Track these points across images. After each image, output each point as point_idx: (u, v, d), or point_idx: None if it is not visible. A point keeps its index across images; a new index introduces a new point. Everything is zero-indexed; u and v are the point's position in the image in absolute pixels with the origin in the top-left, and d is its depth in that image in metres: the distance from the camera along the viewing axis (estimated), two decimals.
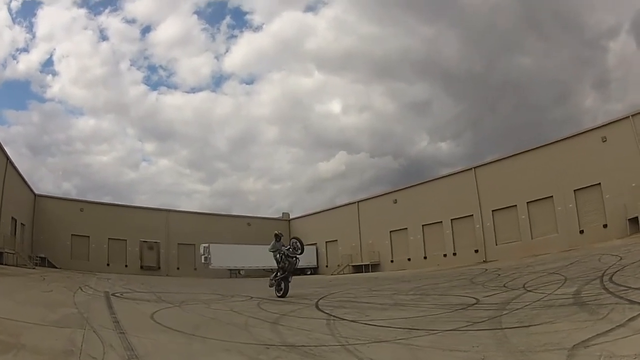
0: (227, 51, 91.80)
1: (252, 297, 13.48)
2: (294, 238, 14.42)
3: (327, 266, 45.23)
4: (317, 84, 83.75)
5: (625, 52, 67.57)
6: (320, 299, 12.36)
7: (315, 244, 46.58)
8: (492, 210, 33.16)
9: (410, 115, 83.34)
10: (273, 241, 14.20)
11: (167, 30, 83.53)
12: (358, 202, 45.31)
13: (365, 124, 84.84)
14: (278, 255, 13.81)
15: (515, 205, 31.71)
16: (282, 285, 13.50)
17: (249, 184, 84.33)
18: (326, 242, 46.62)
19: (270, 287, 13.95)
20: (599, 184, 27.48)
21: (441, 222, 36.13)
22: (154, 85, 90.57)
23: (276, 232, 14.67)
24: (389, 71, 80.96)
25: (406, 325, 6.82)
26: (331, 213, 47.76)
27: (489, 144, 78.87)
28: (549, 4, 66.49)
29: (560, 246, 26.68)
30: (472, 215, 34.17)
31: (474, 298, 10.10)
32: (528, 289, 10.66)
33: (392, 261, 39.51)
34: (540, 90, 73.44)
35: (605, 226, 26.91)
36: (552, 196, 29.69)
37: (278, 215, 53.34)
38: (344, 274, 39.50)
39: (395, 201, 40.79)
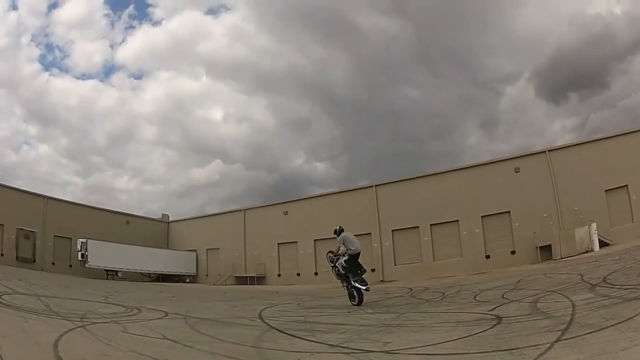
0: (122, 41, 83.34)
1: (166, 313, 9.94)
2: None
3: (207, 275, 40.52)
4: (203, 88, 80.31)
5: (521, 98, 72.69)
6: (264, 317, 9.67)
7: (195, 250, 42.07)
8: (392, 230, 31.18)
9: (289, 132, 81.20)
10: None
11: (71, 9, 75.72)
12: (245, 210, 40.97)
13: (244, 135, 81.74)
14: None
15: (418, 227, 30.07)
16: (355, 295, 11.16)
17: (123, 183, 78.56)
18: (207, 249, 41.72)
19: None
20: (509, 212, 26.99)
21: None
22: (47, 66, 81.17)
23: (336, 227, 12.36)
24: (274, 85, 79.15)
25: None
26: (214, 219, 43.20)
27: (365, 169, 77.96)
28: (446, 42, 69.78)
29: (464, 270, 25.14)
30: (370, 233, 31.63)
31: (490, 314, 7.40)
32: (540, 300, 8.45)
33: (279, 275, 35.94)
34: (422, 122, 76.69)
35: (513, 252, 26.34)
36: (457, 220, 28.55)
37: (157, 216, 47.44)
38: (226, 284, 35.63)
39: (286, 213, 37.14)
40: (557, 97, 77.82)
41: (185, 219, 46.66)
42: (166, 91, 79.66)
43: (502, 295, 10.28)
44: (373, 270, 29.56)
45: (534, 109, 73.26)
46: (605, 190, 24.67)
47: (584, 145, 26.57)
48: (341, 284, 11.78)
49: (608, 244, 22.16)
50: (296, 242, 35.33)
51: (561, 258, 21.75)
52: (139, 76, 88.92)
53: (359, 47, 75.49)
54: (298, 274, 34.42)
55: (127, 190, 77.40)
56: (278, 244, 36.76)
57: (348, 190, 35.50)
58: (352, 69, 77.03)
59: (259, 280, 36.12)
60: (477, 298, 10.77)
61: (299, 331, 7.12)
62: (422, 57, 73.60)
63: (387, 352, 5.04)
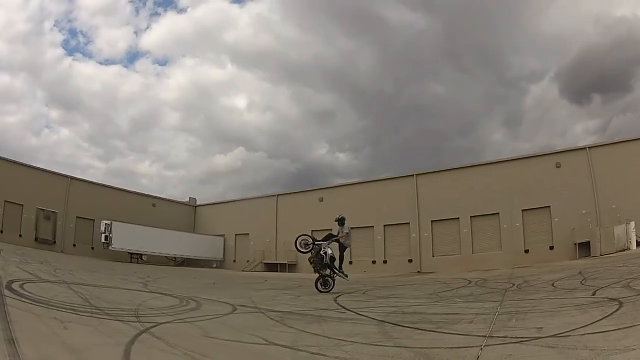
0: (147, 28, 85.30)
1: (234, 307, 8.61)
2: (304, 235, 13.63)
3: (235, 261, 41.02)
4: (228, 76, 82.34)
5: (545, 97, 73.06)
6: (351, 308, 8.86)
7: (223, 235, 42.60)
8: (432, 221, 31.88)
9: (313, 123, 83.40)
10: (338, 228, 13.74)
11: None
12: (278, 195, 41.11)
13: (268, 124, 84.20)
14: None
15: (458, 218, 30.81)
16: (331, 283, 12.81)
17: (144, 168, 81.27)
18: (236, 234, 42.04)
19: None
20: (549, 207, 27.76)
21: (373, 227, 33.78)
22: (70, 51, 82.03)
23: (338, 216, 13.99)
24: (300, 76, 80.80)
25: None
26: (244, 204, 42.81)
27: (387, 163, 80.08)
28: (473, 40, 70.24)
29: (503, 263, 25.90)
30: (409, 223, 32.60)
31: (600, 298, 7.94)
32: None
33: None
34: (447, 118, 77.76)
35: (552, 248, 27.18)
36: (498, 213, 29.29)
37: (187, 199, 47.88)
38: (255, 271, 35.90)
39: (322, 200, 37.41)
40: (581, 98, 77.85)
41: (213, 204, 46.79)
42: (191, 78, 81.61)
43: (582, 283, 11.06)
44: (410, 261, 31.00)
45: (558, 109, 73.68)
46: None
47: (624, 144, 27.06)
48: (316, 271, 12.66)
49: None
50: (331, 229, 35.19)
51: (601, 255, 22.69)
52: (163, 63, 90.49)
53: (386, 41, 76.33)
54: None
55: (149, 175, 79.70)
56: (312, 231, 37.08)
57: (387, 179, 35.80)
58: (379, 62, 78.05)
59: (290, 267, 36.20)
60: (555, 285, 11.46)
61: (419, 323, 6.69)
62: (449, 53, 74.27)
63: (555, 336, 5.11)
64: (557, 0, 64.83)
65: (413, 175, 33.68)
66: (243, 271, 35.29)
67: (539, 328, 5.71)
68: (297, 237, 12.92)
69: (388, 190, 34.53)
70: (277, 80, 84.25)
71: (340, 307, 8.97)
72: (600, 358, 4.03)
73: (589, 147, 27.61)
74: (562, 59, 71.14)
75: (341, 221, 13.56)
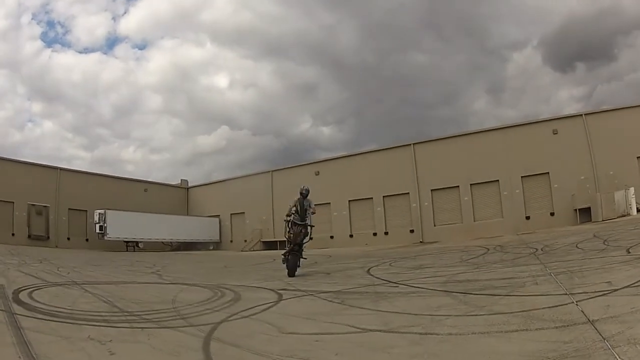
0: (125, 12, 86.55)
1: (279, 293, 7.90)
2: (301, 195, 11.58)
3: (231, 241, 41.14)
4: (208, 56, 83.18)
5: (528, 65, 74.20)
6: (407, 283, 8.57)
7: (218, 216, 42.48)
8: (431, 190, 32.42)
9: (295, 97, 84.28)
10: (297, 198, 11.60)
11: None
12: (272, 171, 40.78)
13: (250, 101, 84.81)
14: (288, 222, 11.37)
15: (458, 186, 31.42)
16: (286, 262, 11.06)
17: (129, 153, 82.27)
18: (231, 214, 42.03)
19: (283, 262, 11.33)
20: (548, 173, 28.60)
21: (372, 198, 34.23)
22: (49, 42, 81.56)
23: (302, 187, 11.92)
24: (281, 51, 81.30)
25: None
26: (238, 182, 42.67)
27: (371, 134, 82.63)
28: (455, 9, 70.38)
29: (505, 230, 26.76)
30: (409, 193, 33.09)
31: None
32: None
33: (311, 238, 36.21)
34: (430, 88, 78.63)
35: (552, 214, 28.08)
36: (498, 180, 30.01)
37: (176, 182, 47.70)
38: (253, 250, 35.95)
39: (318, 173, 37.12)
40: (564, 66, 79.45)
41: (205, 184, 46.49)
42: (171, 60, 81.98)
43: (605, 243, 11.73)
44: (412, 231, 31.67)
45: (541, 76, 74.92)
46: (637, 157, 26.32)
47: (619, 111, 27.73)
48: (288, 249, 11.17)
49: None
50: (329, 203, 35.15)
51: (602, 220, 23.55)
52: (142, 46, 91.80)
53: (367, 12, 77.30)
54: (332, 237, 34.45)
55: (134, 160, 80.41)
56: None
57: (384, 149, 35.80)
58: (360, 34, 79.25)
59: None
60: (579, 247, 12.04)
61: (487, 289, 6.80)
62: (431, 23, 75.09)
63: (630, 286, 5.59)
64: None
65: (410, 145, 33.84)
66: (242, 251, 35.23)
67: (607, 282, 6.13)
68: (287, 214, 11.55)
69: (385, 160, 34.71)
70: (258, 57, 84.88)
71: (386, 281, 8.95)
72: None
73: (585, 114, 28.27)
74: (544, 27, 72.35)
75: (306, 192, 11.76)
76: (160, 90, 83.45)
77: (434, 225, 31.73)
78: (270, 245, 36.13)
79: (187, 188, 46.13)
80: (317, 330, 4.93)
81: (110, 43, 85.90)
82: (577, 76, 75.20)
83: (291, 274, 10.73)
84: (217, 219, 41.84)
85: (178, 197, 44.56)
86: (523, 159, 28.94)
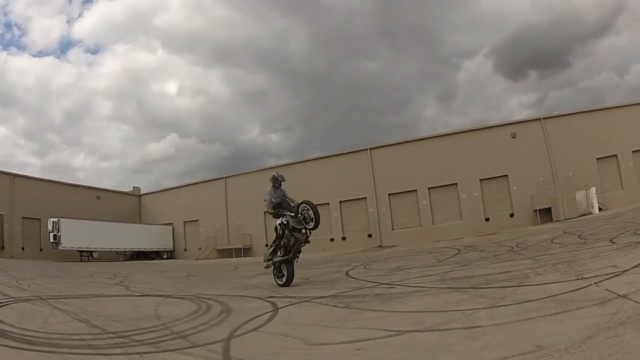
0: (79, 16, 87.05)
1: (272, 303, 7.45)
2: (304, 203, 9.69)
3: (185, 250, 41.07)
4: (159, 61, 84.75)
5: (479, 73, 78.05)
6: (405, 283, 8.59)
7: (171, 224, 42.31)
8: (389, 194, 33.43)
9: (244, 104, 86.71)
10: (269, 190, 10.36)
11: None
12: (226, 177, 41.33)
13: (199, 108, 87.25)
14: (279, 225, 10.01)
15: (416, 190, 32.59)
16: (284, 270, 9.79)
17: (79, 160, 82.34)
18: (185, 222, 42.16)
19: (265, 267, 10.56)
20: (506, 175, 30.45)
21: (328, 203, 34.47)
22: (5, 45, 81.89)
23: (275, 174, 10.68)
24: (231, 57, 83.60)
25: None
26: (191, 189, 43.23)
27: (320, 141, 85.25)
28: (408, 17, 73.13)
29: (465, 232, 28.00)
30: (366, 197, 34.02)
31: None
32: None
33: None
34: (380, 95, 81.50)
35: (511, 215, 29.80)
36: (456, 183, 31.36)
37: (128, 189, 47.36)
38: (209, 258, 36.39)
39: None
40: (516, 73, 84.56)
41: (158, 191, 46.31)
42: (122, 65, 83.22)
43: (580, 237, 12.87)
44: (370, 235, 32.43)
45: (492, 84, 79.32)
46: (597, 159, 28.76)
47: (577, 115, 30.28)
48: (282, 257, 9.88)
49: (601, 209, 26.06)
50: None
51: (564, 219, 25.18)
52: (95, 51, 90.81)
53: (320, 18, 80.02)
54: None
55: (84, 168, 79.90)
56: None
57: (341, 154, 36.67)
58: (312, 40, 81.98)
59: (245, 252, 36.67)
60: (555, 242, 13.19)
61: (493, 283, 7.15)
62: (384, 31, 78.27)
63: (637, 266, 6.27)
64: None
65: (367, 149, 34.89)
66: (197, 259, 35.50)
67: (613, 266, 6.66)
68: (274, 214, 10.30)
69: (341, 165, 35.53)
70: (207, 63, 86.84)
71: (376, 283, 9.06)
72: None
73: (544, 118, 30.51)
74: (497, 35, 76.86)
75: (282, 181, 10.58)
76: (111, 96, 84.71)
77: (392, 229, 32.68)
78: (225, 253, 36.89)
79: (140, 195, 46.07)
80: (347, 338, 4.63)
81: (64, 47, 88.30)
82: (529, 83, 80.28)
83: (288, 283, 9.68)
84: (170, 227, 41.81)
85: (130, 205, 44.50)
86: (482, 162, 30.58)
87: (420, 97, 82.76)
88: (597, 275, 6.20)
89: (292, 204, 10.03)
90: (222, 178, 41.37)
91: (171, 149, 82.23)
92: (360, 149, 35.41)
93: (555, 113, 32.06)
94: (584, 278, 6.21)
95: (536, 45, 73.76)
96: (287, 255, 9.76)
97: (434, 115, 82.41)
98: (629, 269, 6.24)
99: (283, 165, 38.93)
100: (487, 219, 30.11)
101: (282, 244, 9.84)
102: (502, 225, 28.05)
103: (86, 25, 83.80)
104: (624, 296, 4.84)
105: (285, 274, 9.74)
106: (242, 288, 10.38)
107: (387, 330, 4.71)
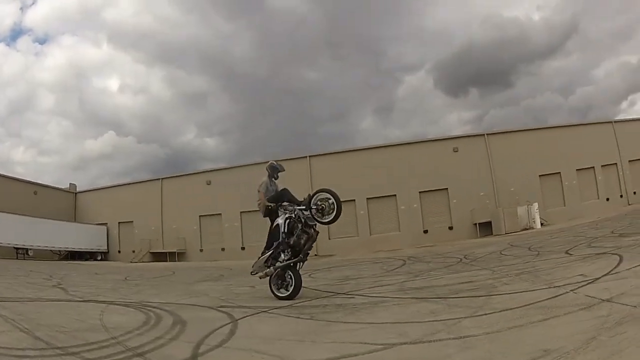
0: (33, 3, 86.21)
1: (221, 311, 7.19)
2: (322, 191, 8.25)
3: (119, 252, 40.04)
4: (103, 56, 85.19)
5: (420, 87, 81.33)
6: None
7: (105, 224, 41.21)
8: None
9: (183, 106, 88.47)
10: (265, 180, 9.03)
11: None
12: (162, 179, 40.85)
13: (139, 107, 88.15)
14: (288, 219, 8.37)
15: (354, 200, 32.83)
16: (290, 278, 8.16)
17: (19, 154, 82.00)
18: (119, 222, 41.27)
19: (260, 277, 8.62)
20: (447, 189, 31.63)
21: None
22: None
23: (273, 162, 9.34)
24: (175, 57, 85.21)
25: None
26: (127, 189, 42.56)
27: (257, 146, 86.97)
28: (355, 28, 75.44)
29: (402, 244, 28.75)
30: None
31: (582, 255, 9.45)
32: None
33: (201, 250, 36.82)
34: (320, 104, 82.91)
35: (450, 228, 30.89)
36: (395, 195, 32.18)
37: (64, 186, 45.65)
38: (142, 262, 35.47)
39: (209, 182, 37.92)
40: (457, 90, 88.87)
41: (94, 189, 45.49)
42: (68, 58, 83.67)
43: (530, 249, 13.46)
44: None
45: (432, 99, 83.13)
46: (540, 175, 30.63)
47: (521, 132, 32.30)
48: (290, 260, 8.31)
49: (543, 224, 27.55)
50: (220, 214, 36.09)
51: (505, 233, 26.39)
52: (43, 41, 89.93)
53: (266, 25, 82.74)
54: (223, 249, 35.30)
55: (24, 162, 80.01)
56: (200, 216, 37.29)
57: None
58: (256, 46, 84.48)
59: (180, 256, 36.32)
60: (504, 253, 13.71)
61: (461, 292, 7.24)
62: (329, 40, 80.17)
63: (607, 274, 6.65)
64: None
65: (306, 157, 35.29)
66: (131, 262, 34.64)
67: (581, 275, 6.95)
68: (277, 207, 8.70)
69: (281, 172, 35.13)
70: (151, 62, 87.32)
71: (332, 292, 8.79)
72: None
73: (487, 134, 32.24)
74: (441, 52, 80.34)
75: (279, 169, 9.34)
76: (55, 89, 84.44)
77: (329, 238, 32.73)
78: (159, 257, 36.46)
79: (76, 193, 45.14)
80: (330, 354, 4.32)
81: (15, 35, 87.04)
82: (469, 100, 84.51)
83: (295, 294, 8.10)
84: (104, 227, 40.98)
85: (66, 203, 43.59)
86: (422, 175, 31.63)
87: (359, 108, 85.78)
88: (569, 284, 6.43)
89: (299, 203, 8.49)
90: (158, 179, 40.89)
91: (109, 147, 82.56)
92: (300, 156, 35.68)
93: (499, 129, 34.19)
94: (557, 286, 6.42)
95: (480, 64, 78.23)
96: (296, 257, 8.24)
97: (372, 127, 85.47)
98: (600, 277, 6.55)
99: (220, 169, 39.67)
100: (425, 231, 31.12)
101: (291, 242, 8.22)
102: (440, 238, 29.01)
103: (39, 14, 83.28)
104: (608, 300, 5.07)
105: (292, 282, 8.11)
106: (187, 295, 10.01)
107: (372, 344, 4.48)
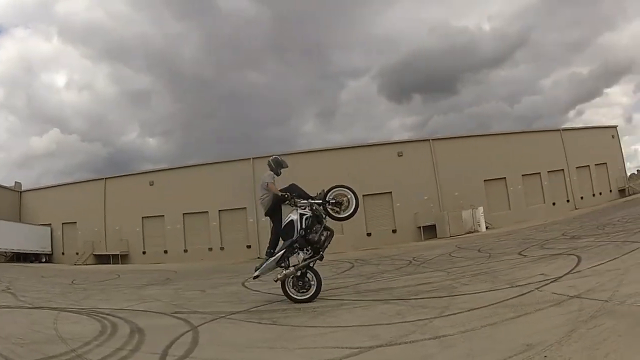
0: None
1: (177, 318, 6.96)
2: (339, 187, 8.27)
3: (63, 253, 39.11)
4: (53, 51, 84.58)
5: (363, 93, 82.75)
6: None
7: (49, 224, 40.09)
8: None
9: (127, 105, 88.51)
10: (271, 174, 8.55)
11: None
12: (106, 178, 40.07)
13: (84, 104, 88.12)
14: (302, 216, 7.92)
15: None
16: (311, 278, 7.76)
17: None
18: (63, 223, 40.26)
19: (276, 280, 7.83)
20: (390, 192, 32.36)
21: (207, 212, 35.03)
22: None
23: (277, 157, 8.85)
24: (122, 54, 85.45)
25: None
26: (71, 189, 41.48)
27: (198, 148, 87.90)
28: (303, 32, 76.27)
29: (345, 246, 28.86)
30: (246, 208, 34.14)
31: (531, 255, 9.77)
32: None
33: (144, 252, 36.40)
34: (264, 108, 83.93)
35: (394, 231, 31.67)
36: None
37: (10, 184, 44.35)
38: (87, 264, 34.88)
39: (152, 183, 37.61)
40: (400, 96, 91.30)
41: (38, 188, 44.35)
42: (19, 51, 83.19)
43: (479, 251, 13.97)
44: (249, 246, 32.76)
45: (375, 105, 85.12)
46: (485, 180, 31.86)
47: (467, 138, 33.65)
48: (310, 258, 7.79)
49: (488, 227, 28.55)
50: (163, 216, 35.84)
51: (450, 236, 27.17)
52: None
53: (214, 26, 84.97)
54: (165, 252, 34.99)
55: None
56: (142, 217, 36.78)
57: (223, 162, 36.83)
58: (203, 47, 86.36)
59: (123, 258, 35.84)
60: (453, 255, 14.37)
61: (421, 294, 7.27)
62: (275, 44, 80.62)
63: (569, 273, 7.00)
64: (397, 4, 74.37)
65: (250, 159, 35.18)
66: (75, 264, 34.34)
67: (541, 274, 7.23)
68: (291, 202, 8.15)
69: (223, 174, 35.57)
70: (98, 58, 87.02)
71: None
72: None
73: (432, 139, 33.22)
74: (387, 58, 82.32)
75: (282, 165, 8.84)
76: (3, 82, 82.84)
77: None
78: (102, 259, 36.10)
79: (21, 192, 43.94)
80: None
81: None
82: (413, 106, 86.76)
83: (316, 295, 7.70)
84: (48, 228, 40.08)
85: (11, 201, 42.51)
86: (365, 178, 31.51)
87: (302, 112, 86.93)
88: (532, 283, 6.67)
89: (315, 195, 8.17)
90: (101, 179, 40.15)
91: (53, 145, 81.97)
92: (244, 157, 35.67)
93: (445, 135, 35.26)
94: (519, 285, 6.63)
95: (426, 71, 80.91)
96: (317, 255, 7.79)
97: (314, 130, 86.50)
98: (562, 276, 6.83)
99: (163, 170, 39.26)
100: (368, 234, 31.63)
101: (310, 239, 7.71)
102: (384, 241, 29.63)
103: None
104: (577, 296, 5.31)
105: (314, 282, 7.70)
106: (137, 301, 9.71)
107: (347, 348, 4.43)
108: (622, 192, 39.03)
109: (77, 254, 37.54)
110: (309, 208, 7.96)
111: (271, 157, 8.78)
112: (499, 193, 32.25)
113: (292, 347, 4.80)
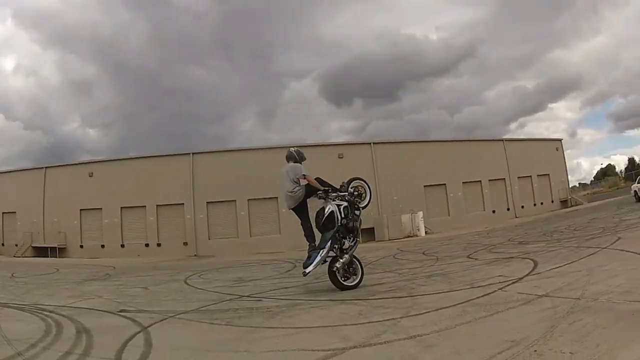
0: None
1: (124, 317, 6.62)
2: (356, 179, 8.63)
3: (2, 244, 37.66)
4: (5, 33, 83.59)
5: (304, 94, 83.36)
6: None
7: None
8: (207, 202, 33.75)
9: (71, 93, 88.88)
10: (300, 166, 8.46)
11: None
12: (46, 167, 38.86)
13: (29, 91, 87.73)
14: (339, 207, 8.07)
15: (235, 200, 33.53)
16: (357, 264, 8.22)
17: None
18: (3, 213, 38.88)
19: (335, 270, 7.82)
20: None
21: (144, 206, 34.64)
22: None
23: (297, 149, 8.92)
24: (69, 41, 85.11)
25: None
26: (11, 177, 39.93)
27: (138, 142, 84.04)
28: (250, 31, 76.06)
29: (283, 247, 29.26)
30: (183, 204, 33.97)
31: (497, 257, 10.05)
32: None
33: (81, 246, 35.55)
34: (205, 104, 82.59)
35: None
36: (276, 197, 32.34)
37: None
38: (25, 256, 33.88)
39: (91, 174, 36.77)
40: (341, 99, 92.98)
41: None
42: None
43: (424, 254, 14.26)
44: (185, 244, 32.55)
45: (315, 107, 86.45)
46: (425, 186, 32.86)
47: (408, 144, 34.57)
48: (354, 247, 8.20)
49: (427, 232, 29.30)
50: (101, 209, 35.27)
51: (389, 240, 27.73)
52: None
53: (163, 18, 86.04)
54: (102, 246, 34.39)
55: None
56: (80, 210, 36.02)
57: (162, 156, 36.37)
58: (150, 39, 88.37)
59: (60, 252, 35.09)
60: (397, 257, 14.54)
61: (388, 292, 7.18)
62: (221, 41, 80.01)
63: (537, 274, 7.17)
64: (348, 8, 75.69)
65: (189, 154, 35.13)
66: (14, 256, 33.50)
67: (500, 275, 7.42)
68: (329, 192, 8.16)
69: (161, 168, 35.07)
70: (47, 43, 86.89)
71: (236, 295, 8.40)
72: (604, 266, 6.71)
73: (373, 143, 33.83)
74: (332, 62, 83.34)
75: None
76: None
77: (209, 239, 33.06)
78: (41, 252, 35.39)
79: None
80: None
81: None
82: (353, 110, 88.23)
83: (361, 280, 8.16)
84: None
85: None
86: None
87: (242, 110, 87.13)
88: (492, 284, 6.70)
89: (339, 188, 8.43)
90: (42, 168, 38.98)
91: None
92: (183, 152, 35.58)
93: (386, 139, 35.99)
94: (480, 286, 6.67)
95: (369, 76, 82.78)
96: (356, 240, 8.22)
97: (253, 129, 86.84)
98: (523, 277, 6.97)
99: (102, 161, 38.50)
100: None
101: (350, 227, 8.03)
102: None
103: None
104: (546, 295, 5.43)
105: (360, 267, 8.22)
106: (79, 297, 9.23)
107: (318, 350, 4.21)
108: (564, 202, 41.00)
109: (16, 245, 36.56)
110: (344, 199, 8.22)
111: (292, 149, 8.94)
112: (439, 199, 33.34)
113: (257, 350, 4.52)
